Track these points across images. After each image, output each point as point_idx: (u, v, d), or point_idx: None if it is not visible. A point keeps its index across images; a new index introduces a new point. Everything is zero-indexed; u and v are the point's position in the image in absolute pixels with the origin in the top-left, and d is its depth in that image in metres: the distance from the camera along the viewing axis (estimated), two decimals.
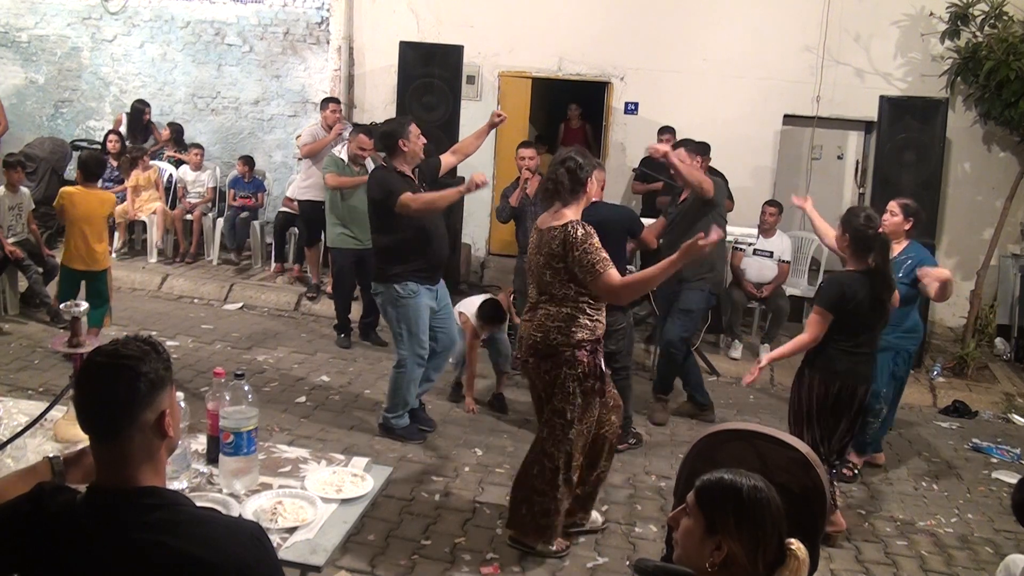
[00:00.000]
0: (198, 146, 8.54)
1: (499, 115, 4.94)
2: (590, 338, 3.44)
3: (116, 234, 8.30)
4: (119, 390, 1.54)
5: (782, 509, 1.85)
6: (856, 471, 4.88)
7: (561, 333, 3.41)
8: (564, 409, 3.49)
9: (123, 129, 8.64)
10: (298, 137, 7.91)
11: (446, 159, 4.98)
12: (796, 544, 1.83)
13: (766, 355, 4.05)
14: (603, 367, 3.53)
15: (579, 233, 3.33)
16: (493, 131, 8.05)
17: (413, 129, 4.60)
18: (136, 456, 1.56)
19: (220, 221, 8.29)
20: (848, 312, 3.81)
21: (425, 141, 4.72)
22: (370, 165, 6.46)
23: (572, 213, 3.45)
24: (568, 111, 9.31)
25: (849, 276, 3.87)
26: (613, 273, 3.32)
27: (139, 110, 8.69)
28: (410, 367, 4.66)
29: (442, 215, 4.76)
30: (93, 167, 5.56)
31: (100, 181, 5.89)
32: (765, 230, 6.95)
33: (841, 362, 3.89)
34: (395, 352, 4.74)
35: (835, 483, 4.18)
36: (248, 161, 8.33)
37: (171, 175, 8.52)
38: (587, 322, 3.43)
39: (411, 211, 4.43)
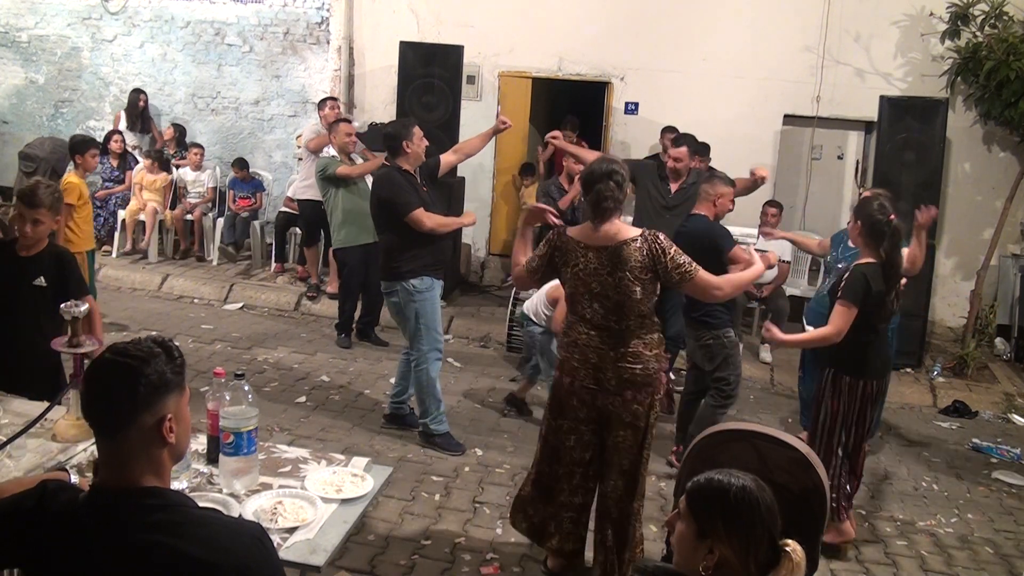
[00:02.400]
0: (198, 146, 8.55)
1: (504, 122, 4.94)
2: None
3: (117, 234, 8.32)
4: (117, 389, 1.54)
5: (774, 509, 1.82)
6: None
7: (657, 360, 3.34)
8: (650, 440, 3.42)
9: (122, 125, 8.67)
10: (298, 137, 7.93)
11: (446, 158, 5.00)
12: (792, 545, 1.81)
13: (783, 335, 3.93)
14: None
15: (662, 238, 3.27)
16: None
17: (416, 131, 4.63)
18: (135, 457, 1.55)
19: (220, 221, 8.30)
20: (872, 304, 3.77)
21: (427, 143, 4.73)
22: (356, 158, 6.43)
23: (626, 225, 3.37)
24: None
25: (869, 267, 3.81)
26: (704, 272, 3.31)
27: (135, 99, 8.74)
28: (431, 362, 4.67)
29: (444, 209, 4.82)
30: (71, 148, 5.80)
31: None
32: (766, 231, 6.94)
33: (877, 357, 3.88)
34: (412, 350, 4.71)
35: (848, 488, 4.02)
36: (242, 164, 8.33)
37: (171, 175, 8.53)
38: (663, 342, 3.42)
39: (423, 229, 4.50)
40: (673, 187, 5.58)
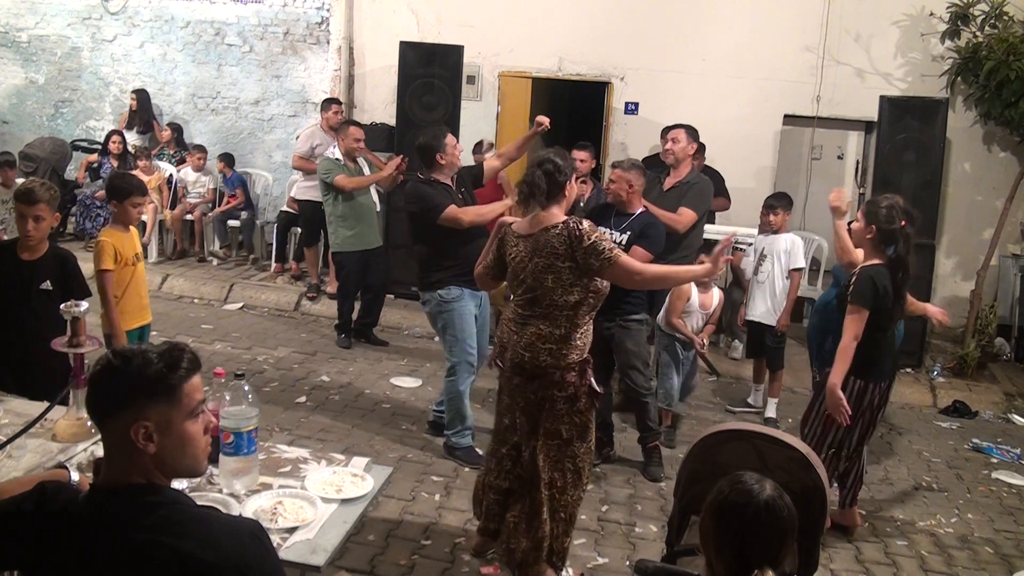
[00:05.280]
0: (201, 149, 8.54)
1: (542, 122, 4.74)
2: (579, 359, 3.33)
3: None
4: (97, 385, 1.59)
5: (760, 529, 1.86)
6: None
7: (551, 355, 3.26)
8: (558, 429, 3.34)
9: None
10: (297, 138, 7.93)
11: (490, 163, 4.95)
12: (769, 574, 1.82)
13: (840, 395, 3.74)
14: (595, 385, 3.38)
15: (584, 225, 3.23)
16: (494, 132, 8.13)
17: (449, 140, 4.58)
18: (120, 456, 1.58)
19: (228, 222, 8.39)
20: (880, 306, 3.76)
21: (462, 149, 4.68)
22: (362, 162, 6.43)
23: (560, 213, 3.34)
24: (479, 147, 7.02)
25: (875, 269, 3.80)
26: (626, 257, 3.29)
27: (132, 100, 8.88)
28: (461, 373, 4.60)
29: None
30: (109, 191, 4.26)
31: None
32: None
33: (885, 359, 3.88)
34: (446, 360, 4.68)
35: (859, 479, 4.13)
36: (226, 159, 8.36)
37: (171, 175, 8.53)
38: (579, 342, 3.32)
39: (462, 225, 4.46)
40: (668, 183, 5.33)
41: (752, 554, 1.84)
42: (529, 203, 3.36)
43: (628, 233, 4.51)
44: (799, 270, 5.59)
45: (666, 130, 7.33)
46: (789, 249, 5.54)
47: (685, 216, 5.09)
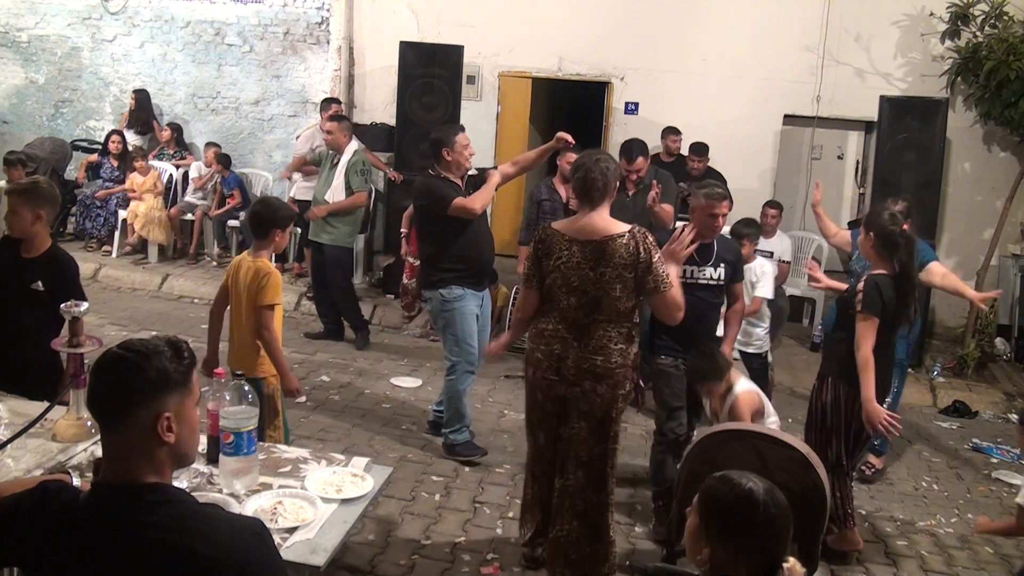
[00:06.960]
0: (214, 144, 8.53)
1: (563, 138, 4.49)
2: (636, 356, 3.39)
3: (117, 234, 8.33)
4: (115, 381, 1.56)
5: (777, 523, 1.81)
6: (875, 470, 4.92)
7: (621, 355, 3.28)
8: (616, 432, 3.37)
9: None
10: (297, 138, 7.93)
11: (504, 169, 4.84)
12: (792, 563, 1.80)
13: (878, 408, 3.65)
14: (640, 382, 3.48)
15: (651, 239, 3.22)
16: (494, 131, 8.14)
17: (460, 139, 4.51)
18: (134, 452, 1.56)
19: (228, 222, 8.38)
20: (883, 317, 3.68)
21: (474, 152, 4.62)
22: (348, 152, 6.30)
23: (612, 217, 3.31)
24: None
25: (881, 278, 3.72)
26: (676, 290, 3.29)
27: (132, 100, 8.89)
28: (460, 374, 4.58)
29: (484, 218, 4.71)
30: (270, 220, 3.76)
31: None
32: (766, 231, 6.93)
33: (883, 373, 3.77)
34: (446, 359, 4.67)
35: (851, 498, 3.98)
36: (223, 160, 8.33)
37: (171, 175, 8.54)
38: (636, 339, 3.36)
39: (475, 213, 4.42)
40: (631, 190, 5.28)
41: (750, 550, 1.82)
42: (592, 202, 3.26)
43: (722, 266, 4.03)
44: (762, 299, 5.20)
45: (667, 130, 7.37)
46: (755, 281, 5.16)
47: (670, 211, 5.20)
